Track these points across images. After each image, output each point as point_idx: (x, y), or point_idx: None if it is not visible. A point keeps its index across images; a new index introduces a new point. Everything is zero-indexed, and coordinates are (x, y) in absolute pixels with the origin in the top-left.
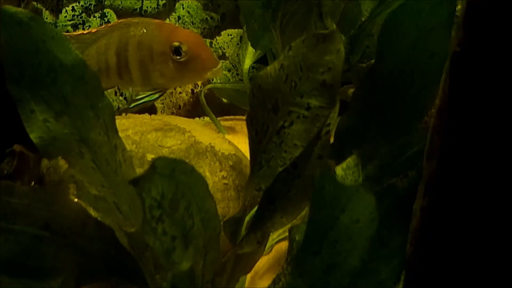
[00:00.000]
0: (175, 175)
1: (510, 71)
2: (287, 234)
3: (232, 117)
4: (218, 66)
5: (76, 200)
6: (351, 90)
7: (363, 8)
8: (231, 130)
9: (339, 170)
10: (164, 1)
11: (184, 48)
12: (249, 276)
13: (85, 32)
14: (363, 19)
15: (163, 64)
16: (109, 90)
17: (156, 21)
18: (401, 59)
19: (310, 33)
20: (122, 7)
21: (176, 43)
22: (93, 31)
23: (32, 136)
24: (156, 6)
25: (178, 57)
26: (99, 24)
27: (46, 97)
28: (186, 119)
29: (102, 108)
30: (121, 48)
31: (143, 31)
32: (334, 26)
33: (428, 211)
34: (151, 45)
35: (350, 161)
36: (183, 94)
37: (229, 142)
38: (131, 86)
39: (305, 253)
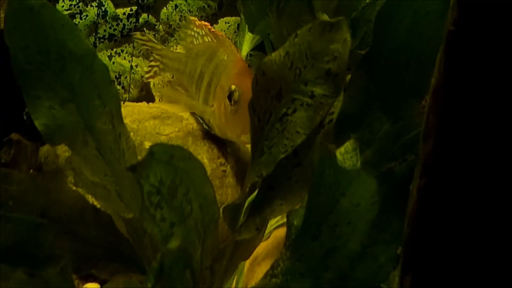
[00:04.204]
0: (173, 162)
1: (505, 50)
2: (285, 220)
3: None
4: None
5: (74, 188)
6: (348, 76)
7: None
8: None
9: (337, 154)
10: None
11: (235, 96)
12: (247, 262)
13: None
14: (362, 5)
15: (219, 101)
16: None
17: (237, 55)
18: (398, 44)
19: (317, 21)
20: None
21: (233, 87)
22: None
23: (37, 123)
24: None
25: (229, 103)
26: (96, 14)
27: (52, 84)
28: None
29: (109, 97)
30: (206, 62)
31: (223, 57)
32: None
33: (424, 192)
34: (220, 76)
35: (348, 145)
36: None
37: None
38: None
39: (304, 238)
